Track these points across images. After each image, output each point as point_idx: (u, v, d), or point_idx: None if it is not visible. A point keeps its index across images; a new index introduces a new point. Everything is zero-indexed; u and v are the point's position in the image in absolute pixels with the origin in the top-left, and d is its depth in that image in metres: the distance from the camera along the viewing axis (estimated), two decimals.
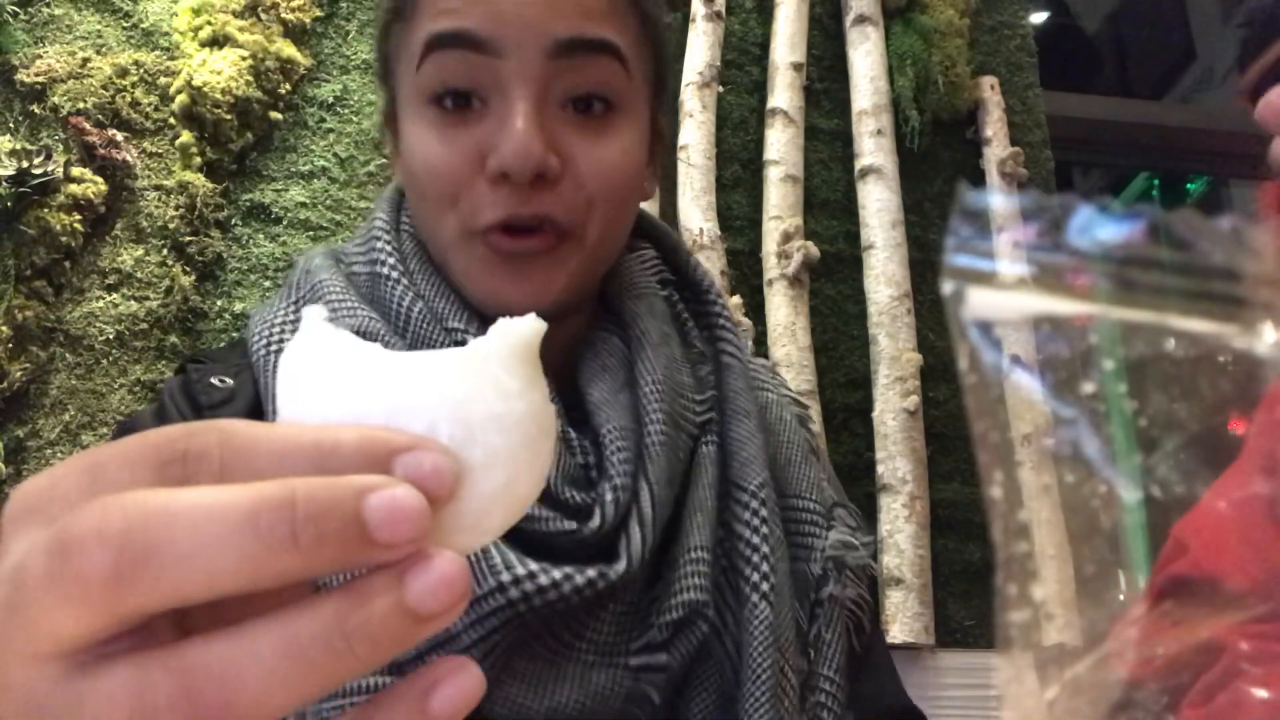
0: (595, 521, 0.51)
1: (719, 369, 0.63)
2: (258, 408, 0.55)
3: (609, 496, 0.52)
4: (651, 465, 0.54)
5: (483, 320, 0.57)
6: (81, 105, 1.47)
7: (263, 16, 1.55)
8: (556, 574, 0.49)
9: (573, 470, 0.54)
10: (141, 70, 1.51)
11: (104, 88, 1.48)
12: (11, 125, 1.46)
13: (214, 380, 0.57)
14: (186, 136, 1.48)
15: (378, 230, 0.62)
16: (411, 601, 0.22)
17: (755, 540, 0.57)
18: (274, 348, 0.57)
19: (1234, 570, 0.51)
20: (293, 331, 0.55)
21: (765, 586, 0.56)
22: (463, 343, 0.54)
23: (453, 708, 0.23)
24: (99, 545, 0.21)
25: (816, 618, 0.59)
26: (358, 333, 0.54)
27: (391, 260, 0.59)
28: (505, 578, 0.48)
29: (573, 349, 0.61)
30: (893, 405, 1.55)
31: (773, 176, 1.66)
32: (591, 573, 0.50)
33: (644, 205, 0.66)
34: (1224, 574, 0.51)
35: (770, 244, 1.62)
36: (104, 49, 1.52)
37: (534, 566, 0.49)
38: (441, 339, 0.56)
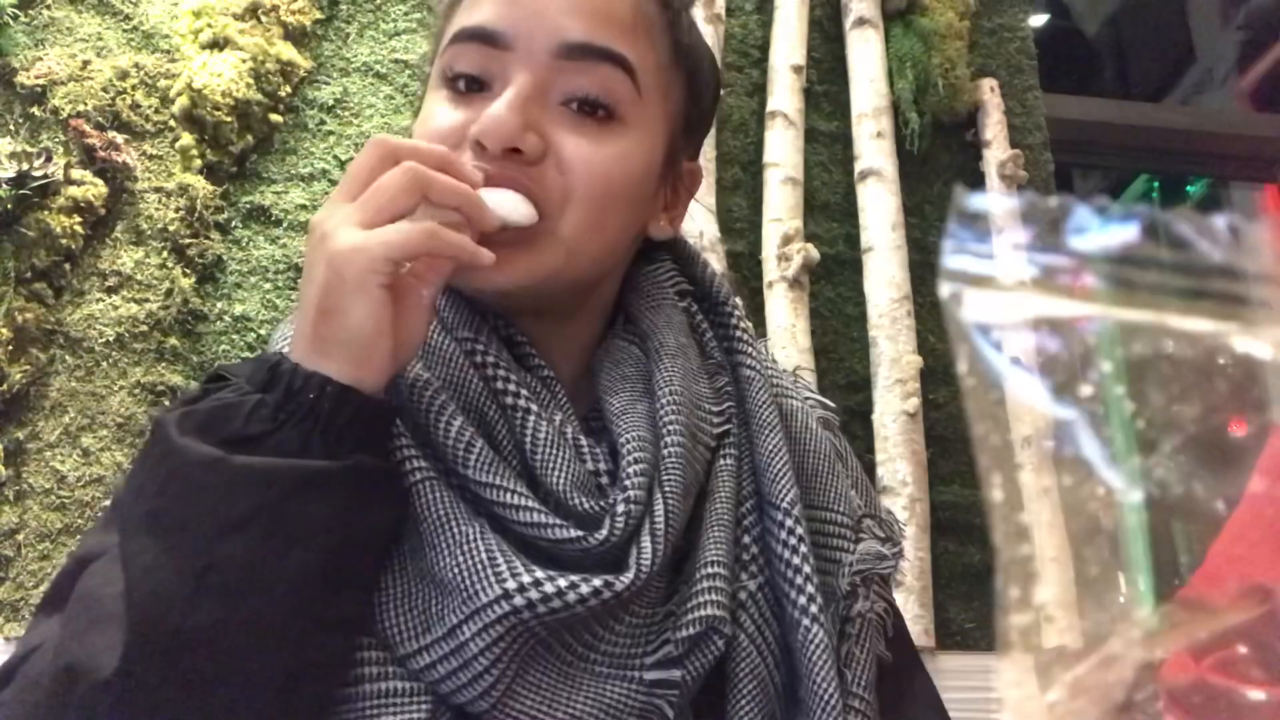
0: (603, 531, 0.51)
1: (738, 381, 0.63)
2: None
3: (620, 508, 0.51)
4: (668, 477, 0.54)
5: (491, 330, 0.57)
6: (82, 108, 1.47)
7: (263, 19, 1.55)
8: (561, 582, 0.48)
9: (583, 477, 0.53)
10: (142, 73, 1.51)
11: (104, 90, 1.48)
12: (12, 127, 1.46)
13: None
14: (187, 139, 1.48)
15: None
16: None
17: (795, 560, 0.56)
18: None
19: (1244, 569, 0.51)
20: None
21: (814, 609, 0.55)
22: (472, 354, 0.55)
23: None
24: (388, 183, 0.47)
25: (847, 636, 0.57)
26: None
27: None
28: (510, 585, 0.47)
29: (589, 357, 0.62)
30: (893, 407, 1.55)
31: (772, 179, 1.66)
32: (597, 582, 0.48)
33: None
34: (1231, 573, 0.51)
35: (770, 246, 1.62)
36: (104, 51, 1.52)
37: (539, 574, 0.48)
38: (453, 349, 0.57)
